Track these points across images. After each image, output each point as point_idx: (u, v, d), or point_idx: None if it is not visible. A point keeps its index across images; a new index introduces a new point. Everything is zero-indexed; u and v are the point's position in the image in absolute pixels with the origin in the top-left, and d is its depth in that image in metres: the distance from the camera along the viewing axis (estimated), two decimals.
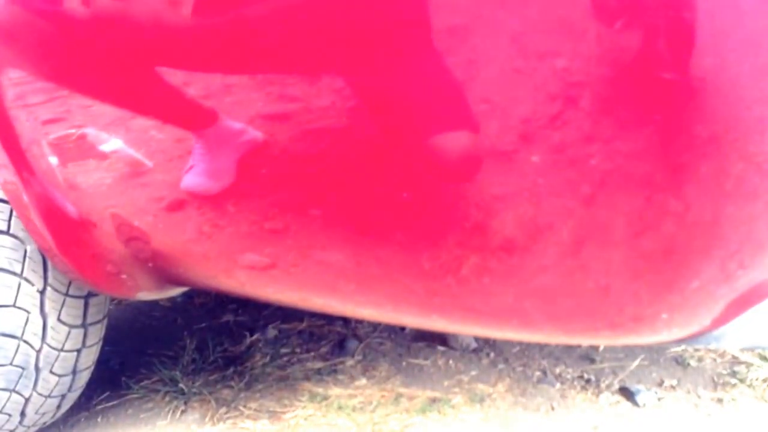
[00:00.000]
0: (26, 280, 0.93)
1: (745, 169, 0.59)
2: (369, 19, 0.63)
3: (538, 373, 1.28)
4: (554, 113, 0.60)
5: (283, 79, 0.68)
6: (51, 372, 1.00)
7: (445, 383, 1.25)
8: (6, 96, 0.81)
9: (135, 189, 0.80)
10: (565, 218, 0.63)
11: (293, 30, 0.65)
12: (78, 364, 1.04)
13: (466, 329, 0.88)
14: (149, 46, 0.72)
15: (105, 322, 1.08)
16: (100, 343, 1.09)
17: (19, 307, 0.93)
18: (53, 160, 0.82)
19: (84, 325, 1.02)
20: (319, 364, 1.33)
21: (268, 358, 1.34)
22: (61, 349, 0.99)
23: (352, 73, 0.66)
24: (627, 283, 0.66)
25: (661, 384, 1.25)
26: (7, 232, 0.92)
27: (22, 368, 0.96)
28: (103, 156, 0.79)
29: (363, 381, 1.27)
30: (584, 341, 0.88)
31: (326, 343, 1.41)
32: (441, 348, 1.38)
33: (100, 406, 1.23)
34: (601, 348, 1.36)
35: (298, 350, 1.39)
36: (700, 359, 1.32)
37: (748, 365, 1.28)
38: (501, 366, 1.31)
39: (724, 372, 1.28)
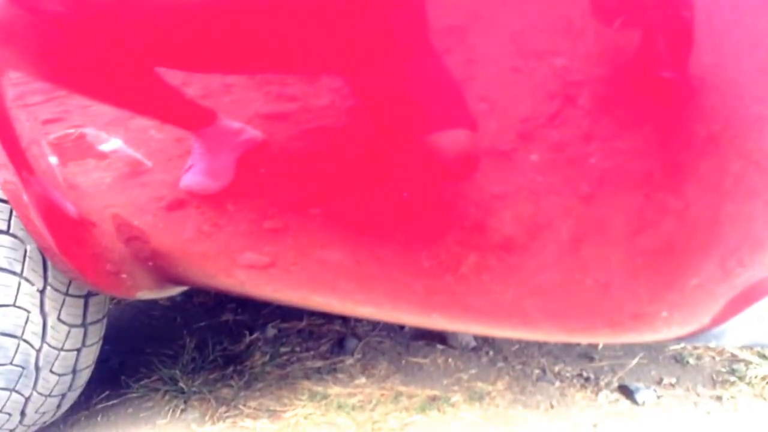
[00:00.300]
0: (26, 279, 0.93)
1: (744, 167, 0.60)
2: (367, 18, 0.63)
3: (537, 372, 1.28)
4: (553, 112, 0.60)
5: (281, 79, 0.68)
6: (51, 371, 1.00)
7: (445, 381, 1.25)
8: (6, 96, 0.81)
9: (134, 188, 0.80)
10: (565, 216, 0.63)
11: (292, 29, 0.65)
12: (78, 364, 1.04)
13: (465, 328, 0.88)
14: (148, 46, 0.72)
15: (105, 321, 1.08)
16: (100, 342, 1.09)
17: (19, 307, 0.93)
18: (53, 159, 0.82)
19: (84, 325, 1.02)
20: (318, 363, 1.33)
21: (267, 357, 1.34)
22: (61, 349, 1.00)
23: (350, 72, 0.66)
24: (626, 281, 0.66)
25: (660, 382, 1.25)
26: (6, 232, 0.92)
27: (22, 367, 0.96)
28: (103, 156, 0.79)
29: (362, 379, 1.27)
30: (584, 339, 0.88)
31: (326, 342, 1.41)
32: (440, 346, 1.38)
33: (100, 405, 1.23)
34: (601, 346, 1.36)
35: (297, 349, 1.39)
36: (699, 357, 1.32)
37: (747, 363, 1.28)
38: (500, 364, 1.31)
39: (723, 370, 1.28)
